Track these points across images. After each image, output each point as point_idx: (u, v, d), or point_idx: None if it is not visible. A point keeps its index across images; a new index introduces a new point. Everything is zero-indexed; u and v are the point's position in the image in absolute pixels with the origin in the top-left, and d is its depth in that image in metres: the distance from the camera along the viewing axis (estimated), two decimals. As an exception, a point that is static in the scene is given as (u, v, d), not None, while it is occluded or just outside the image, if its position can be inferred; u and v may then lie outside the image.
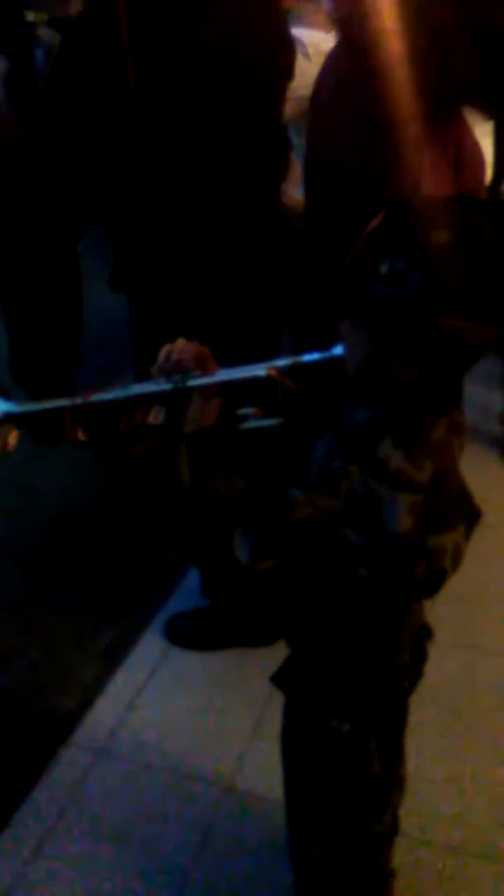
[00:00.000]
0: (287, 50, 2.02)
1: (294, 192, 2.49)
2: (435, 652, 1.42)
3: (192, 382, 1.20)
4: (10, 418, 1.29)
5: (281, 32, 2.00)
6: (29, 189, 2.44)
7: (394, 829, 1.52)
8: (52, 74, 1.92)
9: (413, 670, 1.37)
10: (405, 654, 1.34)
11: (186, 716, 2.23)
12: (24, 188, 2.46)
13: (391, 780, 1.43)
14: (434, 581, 1.17)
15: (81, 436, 1.24)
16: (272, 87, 1.98)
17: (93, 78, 1.84)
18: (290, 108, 2.38)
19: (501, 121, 2.90)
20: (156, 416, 1.20)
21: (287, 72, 2.02)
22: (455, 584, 1.23)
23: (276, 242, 2.11)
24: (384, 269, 1.07)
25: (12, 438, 1.29)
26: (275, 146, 2.06)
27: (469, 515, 1.23)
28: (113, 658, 2.44)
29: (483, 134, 2.68)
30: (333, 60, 2.05)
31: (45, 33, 1.91)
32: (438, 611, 1.45)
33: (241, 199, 1.96)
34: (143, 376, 1.27)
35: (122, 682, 2.34)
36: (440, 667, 1.97)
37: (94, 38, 1.82)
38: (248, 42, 1.84)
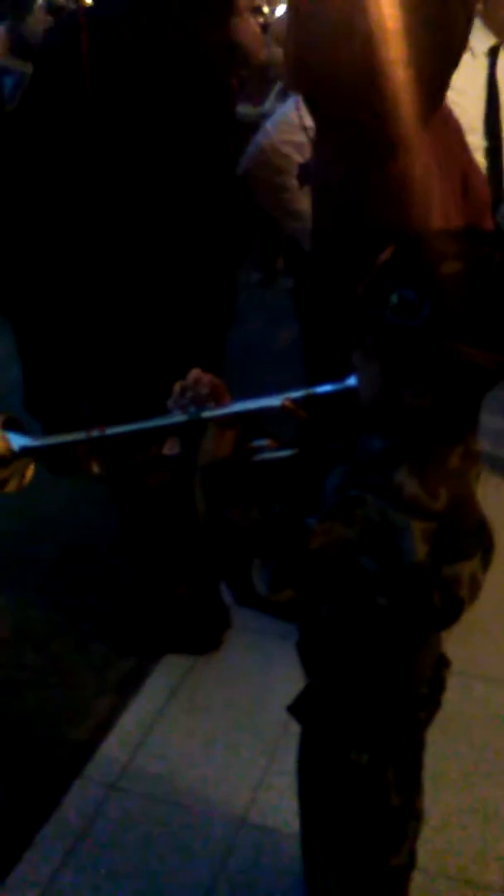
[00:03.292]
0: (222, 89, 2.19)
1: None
2: (453, 682, 1.41)
3: (207, 414, 1.21)
4: (26, 452, 1.29)
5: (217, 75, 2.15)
6: (30, 221, 2.48)
7: (411, 863, 1.49)
8: (24, 100, 2.00)
9: (431, 701, 1.36)
10: (423, 685, 1.33)
11: (199, 749, 2.22)
12: (24, 219, 2.49)
13: (409, 813, 1.42)
14: (451, 611, 1.17)
15: (96, 468, 1.25)
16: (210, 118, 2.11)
17: (57, 104, 1.95)
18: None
19: (495, 144, 2.94)
20: (171, 448, 1.21)
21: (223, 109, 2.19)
22: (473, 613, 1.23)
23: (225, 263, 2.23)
24: (395, 299, 1.08)
25: (29, 472, 1.30)
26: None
27: (486, 544, 1.22)
28: (126, 690, 2.42)
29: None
30: None
31: (12, 63, 1.99)
32: (455, 640, 1.44)
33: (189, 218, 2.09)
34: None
35: (135, 714, 2.33)
36: (459, 697, 1.96)
37: (59, 69, 1.95)
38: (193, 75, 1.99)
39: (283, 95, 4.88)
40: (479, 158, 2.78)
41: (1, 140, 2.07)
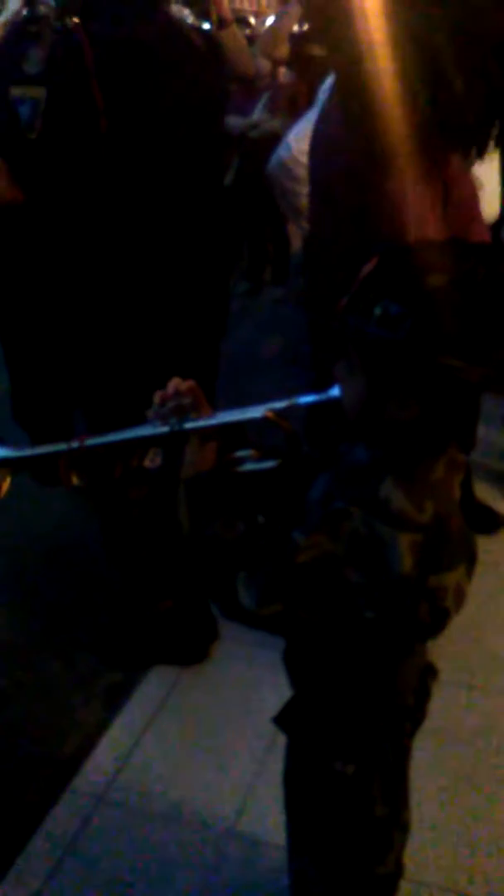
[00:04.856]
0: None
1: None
2: (439, 691, 1.41)
3: (189, 425, 1.20)
4: (4, 463, 1.28)
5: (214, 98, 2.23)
6: (28, 234, 2.49)
7: (397, 872, 1.49)
8: (45, 125, 2.02)
9: (417, 711, 1.36)
10: (409, 695, 1.33)
11: (188, 759, 2.21)
12: (24, 233, 2.50)
13: (395, 823, 1.41)
14: (437, 621, 1.17)
15: (76, 480, 1.24)
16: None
17: (74, 125, 2.00)
18: None
19: None
20: (152, 460, 1.20)
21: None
22: (458, 622, 1.23)
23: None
24: (378, 311, 1.08)
25: (5, 484, 1.28)
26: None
27: (471, 554, 1.22)
28: (114, 701, 2.42)
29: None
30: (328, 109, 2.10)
31: (25, 92, 2.02)
32: (441, 649, 1.44)
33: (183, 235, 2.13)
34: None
35: (123, 725, 2.32)
36: (446, 706, 1.95)
37: (71, 91, 1.98)
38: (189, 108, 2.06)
39: (270, 106, 4.91)
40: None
41: (26, 164, 2.11)
